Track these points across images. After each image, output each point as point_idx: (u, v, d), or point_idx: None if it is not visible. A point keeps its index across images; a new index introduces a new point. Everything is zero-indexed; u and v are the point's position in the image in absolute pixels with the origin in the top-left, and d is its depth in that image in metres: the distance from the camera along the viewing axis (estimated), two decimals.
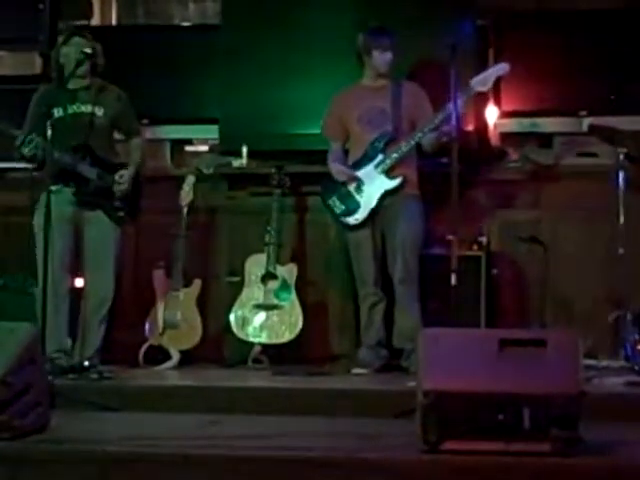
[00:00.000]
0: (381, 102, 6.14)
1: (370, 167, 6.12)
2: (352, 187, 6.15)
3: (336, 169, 6.21)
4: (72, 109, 5.89)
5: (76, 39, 5.91)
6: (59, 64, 5.91)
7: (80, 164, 5.82)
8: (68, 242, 5.83)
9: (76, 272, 5.98)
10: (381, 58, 6.13)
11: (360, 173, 6.14)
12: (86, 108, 5.93)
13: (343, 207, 6.18)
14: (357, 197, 6.14)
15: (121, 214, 5.96)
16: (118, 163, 6.00)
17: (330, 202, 6.22)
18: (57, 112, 5.82)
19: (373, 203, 6.09)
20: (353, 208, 6.14)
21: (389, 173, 6.08)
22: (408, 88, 6.17)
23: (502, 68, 5.97)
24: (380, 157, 6.10)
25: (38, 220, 5.55)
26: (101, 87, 5.99)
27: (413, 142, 6.03)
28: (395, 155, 6.05)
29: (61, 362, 5.69)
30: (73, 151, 5.79)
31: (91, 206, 5.89)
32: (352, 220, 6.15)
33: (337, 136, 6.28)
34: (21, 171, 6.70)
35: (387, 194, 6.08)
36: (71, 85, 5.92)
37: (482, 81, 5.92)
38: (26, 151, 5.65)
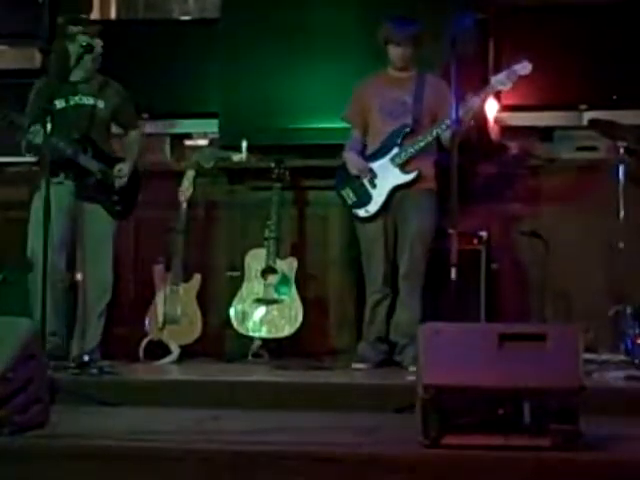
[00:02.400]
0: (403, 94, 6.08)
1: (385, 160, 6.08)
2: (366, 179, 6.10)
3: (350, 161, 6.15)
4: (74, 100, 5.88)
5: (80, 31, 5.88)
6: (62, 56, 5.88)
7: (82, 156, 5.82)
8: (66, 235, 5.84)
9: (74, 266, 5.98)
10: (394, 52, 6.09)
11: (375, 165, 6.09)
12: (88, 100, 5.93)
13: (355, 198, 6.13)
14: (370, 189, 6.10)
15: (118, 208, 5.96)
16: (116, 157, 6.00)
17: (343, 192, 6.17)
18: (59, 103, 5.80)
19: (384, 196, 6.05)
20: (365, 200, 6.10)
21: (404, 167, 6.04)
22: (432, 81, 6.10)
23: (524, 67, 5.82)
24: (396, 150, 6.05)
25: (37, 205, 5.57)
26: (102, 80, 5.99)
27: (430, 137, 5.97)
28: (411, 149, 6.00)
29: (51, 346, 5.63)
30: (76, 143, 5.79)
31: (90, 199, 5.89)
32: (363, 212, 6.11)
33: (357, 123, 6.20)
34: (20, 165, 6.71)
35: (399, 188, 6.04)
36: (73, 77, 5.90)
37: (503, 80, 5.85)
38: (37, 140, 5.59)
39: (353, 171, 6.12)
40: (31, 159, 6.13)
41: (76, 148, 5.78)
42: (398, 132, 6.06)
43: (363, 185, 6.11)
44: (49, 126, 5.24)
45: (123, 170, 5.95)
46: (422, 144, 5.99)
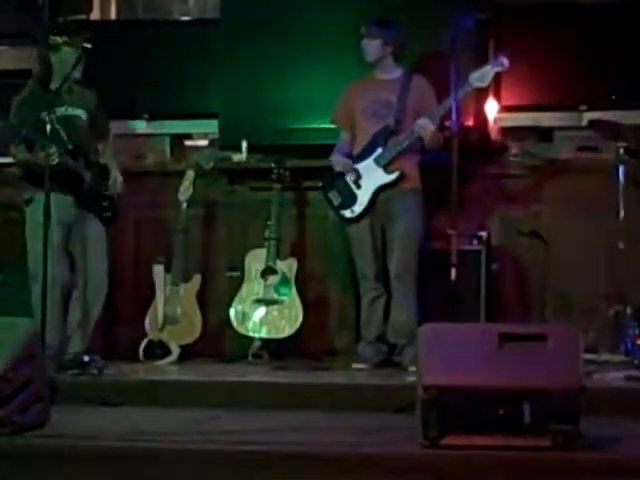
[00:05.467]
0: (388, 95, 6.12)
1: (370, 160, 6.12)
2: (351, 180, 6.15)
3: (335, 161, 6.22)
4: (60, 112, 5.82)
5: (65, 42, 5.86)
6: (45, 65, 5.89)
7: (76, 164, 5.81)
8: (63, 243, 5.84)
9: (71, 272, 5.97)
10: (364, 46, 6.15)
11: (360, 166, 6.14)
12: (74, 110, 5.92)
13: (340, 200, 6.18)
14: (355, 190, 6.14)
15: (108, 214, 5.97)
16: (101, 165, 6.00)
17: (329, 195, 6.24)
18: (46, 117, 5.75)
19: (369, 197, 6.09)
20: (350, 201, 6.14)
21: (388, 167, 6.08)
22: (417, 82, 6.14)
23: (500, 63, 5.92)
24: (379, 151, 6.09)
25: (33, 217, 5.59)
26: (79, 89, 5.97)
27: (412, 137, 6.01)
28: (394, 149, 6.05)
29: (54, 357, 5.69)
30: (68, 153, 5.77)
31: (85, 207, 5.90)
32: (348, 213, 6.15)
33: (346, 125, 6.25)
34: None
35: (383, 188, 6.08)
36: (53, 86, 5.87)
37: (480, 77, 5.88)
38: (53, 162, 5.52)
39: (337, 168, 6.16)
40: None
41: (71, 159, 5.77)
42: (381, 133, 6.10)
43: (348, 186, 6.16)
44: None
45: (119, 178, 5.98)
46: (405, 144, 6.03)
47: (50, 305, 5.37)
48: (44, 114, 5.58)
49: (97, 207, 5.95)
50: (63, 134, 5.72)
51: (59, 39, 5.85)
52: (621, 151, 5.96)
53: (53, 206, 5.33)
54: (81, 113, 5.95)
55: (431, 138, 5.97)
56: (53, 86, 5.85)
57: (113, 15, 7.73)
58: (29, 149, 5.69)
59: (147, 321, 6.50)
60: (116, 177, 5.99)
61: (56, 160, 5.51)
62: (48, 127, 5.43)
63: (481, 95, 6.53)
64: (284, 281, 6.46)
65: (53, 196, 5.37)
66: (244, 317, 6.46)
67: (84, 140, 5.93)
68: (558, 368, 3.80)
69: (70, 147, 5.77)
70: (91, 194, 5.90)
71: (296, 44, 6.70)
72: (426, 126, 5.91)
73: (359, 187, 6.14)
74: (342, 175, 6.17)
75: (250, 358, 6.41)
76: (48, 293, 5.28)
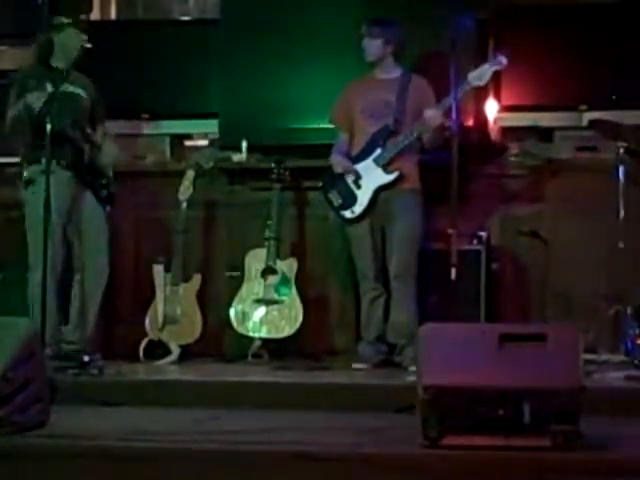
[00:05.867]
0: (386, 95, 6.12)
1: (369, 161, 6.12)
2: (351, 181, 6.15)
3: (335, 160, 6.22)
4: (63, 88, 5.85)
5: (68, 22, 5.92)
6: (47, 46, 5.93)
7: (76, 135, 5.84)
8: (62, 235, 5.85)
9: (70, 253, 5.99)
10: (365, 46, 6.16)
11: (359, 167, 6.14)
12: (74, 89, 5.96)
13: (341, 200, 6.19)
14: (355, 191, 6.14)
15: (105, 192, 5.98)
16: (98, 145, 6.03)
17: (329, 195, 6.24)
18: (49, 87, 5.80)
19: (369, 197, 6.09)
20: (350, 202, 6.14)
21: (387, 167, 6.08)
22: (416, 82, 6.15)
23: (499, 62, 5.93)
24: (378, 151, 6.09)
25: (34, 201, 5.61)
26: (77, 74, 6.02)
27: (412, 137, 6.02)
28: (393, 149, 6.05)
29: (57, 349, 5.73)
30: (68, 126, 5.81)
31: (85, 183, 5.92)
32: (348, 213, 6.16)
33: (344, 125, 6.26)
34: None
35: (383, 188, 6.08)
36: (54, 64, 5.93)
37: (478, 76, 5.89)
38: (36, 105, 5.56)
39: (338, 169, 6.17)
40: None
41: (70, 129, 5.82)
42: (380, 133, 6.10)
43: (348, 187, 6.16)
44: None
45: (112, 148, 6.02)
46: (404, 144, 6.03)
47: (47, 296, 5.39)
48: (48, 86, 5.67)
49: (96, 184, 5.96)
50: (62, 108, 5.75)
51: (64, 19, 5.91)
52: (621, 151, 5.96)
53: (52, 187, 5.34)
54: (82, 92, 6.01)
55: (435, 132, 5.95)
56: (57, 65, 5.91)
57: (113, 15, 7.73)
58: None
59: (147, 321, 6.51)
60: (109, 146, 6.03)
61: (44, 98, 5.55)
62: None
63: (481, 95, 6.54)
64: (284, 281, 6.46)
65: (52, 177, 5.39)
66: (244, 317, 6.46)
67: (83, 116, 5.99)
68: (558, 368, 3.80)
69: (68, 121, 5.79)
70: (91, 168, 5.92)
71: (296, 44, 6.70)
72: (435, 117, 5.88)
73: (359, 187, 6.14)
74: (342, 175, 6.18)
75: (250, 358, 6.41)
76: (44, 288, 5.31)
